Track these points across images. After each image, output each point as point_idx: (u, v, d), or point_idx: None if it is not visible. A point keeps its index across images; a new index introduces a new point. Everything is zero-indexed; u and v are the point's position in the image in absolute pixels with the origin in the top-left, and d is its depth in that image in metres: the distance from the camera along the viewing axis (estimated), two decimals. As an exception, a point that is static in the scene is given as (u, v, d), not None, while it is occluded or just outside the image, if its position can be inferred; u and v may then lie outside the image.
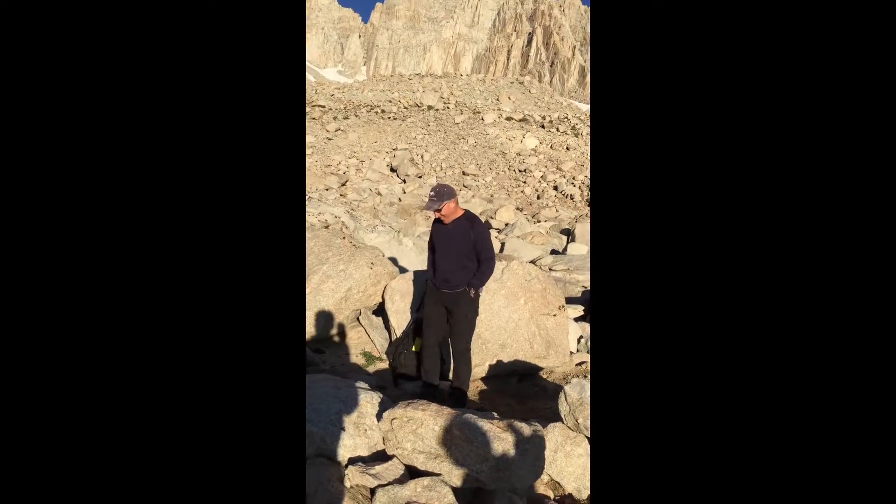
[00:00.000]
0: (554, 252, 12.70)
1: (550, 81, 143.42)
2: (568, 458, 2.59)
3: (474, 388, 3.90)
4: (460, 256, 3.25)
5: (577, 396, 2.59)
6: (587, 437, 2.63)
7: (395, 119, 51.17)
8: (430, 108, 56.67)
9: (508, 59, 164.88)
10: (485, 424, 2.26)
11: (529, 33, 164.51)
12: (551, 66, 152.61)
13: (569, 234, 16.40)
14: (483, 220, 3.53)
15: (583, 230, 15.33)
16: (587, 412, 2.55)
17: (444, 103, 58.57)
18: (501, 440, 2.21)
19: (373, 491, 2.16)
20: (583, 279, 8.36)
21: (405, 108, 56.61)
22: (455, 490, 2.16)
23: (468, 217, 3.31)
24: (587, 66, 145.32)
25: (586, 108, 72.51)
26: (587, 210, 27.18)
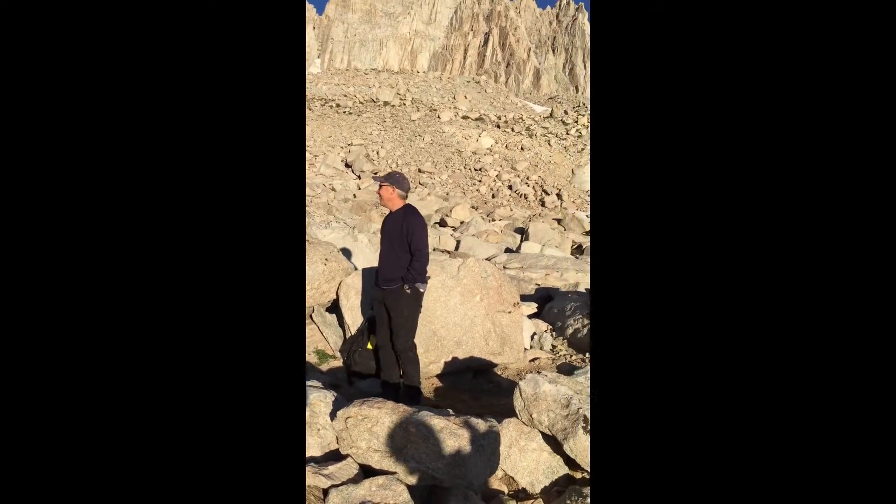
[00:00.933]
0: (508, 250, 12.88)
1: (506, 82, 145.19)
2: (522, 453, 2.62)
3: (430, 385, 3.89)
4: (395, 249, 3.23)
5: (531, 392, 2.63)
6: (541, 433, 2.68)
7: (350, 114, 50.42)
8: (386, 104, 56.16)
9: (465, 58, 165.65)
10: (440, 421, 2.25)
11: (486, 33, 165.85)
12: (507, 67, 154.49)
13: (522, 232, 16.68)
14: (424, 215, 3.55)
15: (535, 229, 15.64)
16: (541, 407, 2.59)
17: (401, 100, 58.21)
18: (457, 437, 2.21)
19: (326, 492, 2.11)
20: (536, 277, 8.51)
21: (361, 103, 55.88)
22: (410, 488, 2.14)
23: (405, 209, 3.29)
24: (542, 68, 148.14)
25: (541, 109, 73.85)
26: (540, 209, 27.75)
